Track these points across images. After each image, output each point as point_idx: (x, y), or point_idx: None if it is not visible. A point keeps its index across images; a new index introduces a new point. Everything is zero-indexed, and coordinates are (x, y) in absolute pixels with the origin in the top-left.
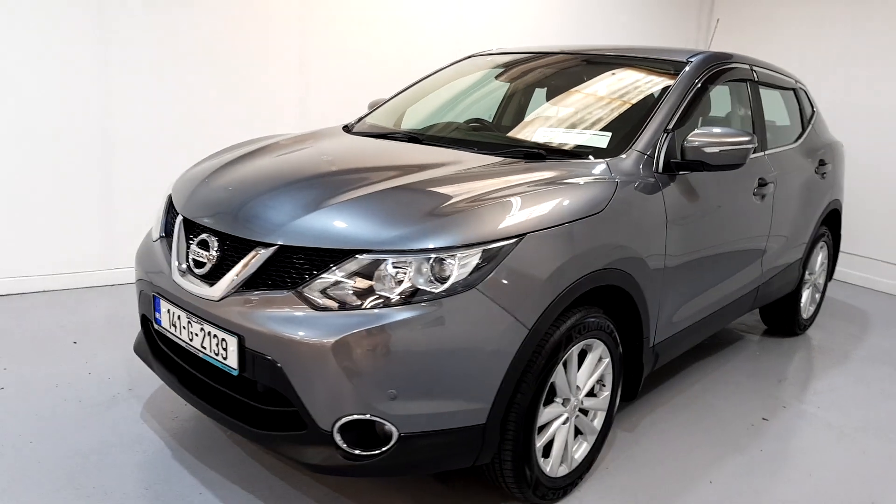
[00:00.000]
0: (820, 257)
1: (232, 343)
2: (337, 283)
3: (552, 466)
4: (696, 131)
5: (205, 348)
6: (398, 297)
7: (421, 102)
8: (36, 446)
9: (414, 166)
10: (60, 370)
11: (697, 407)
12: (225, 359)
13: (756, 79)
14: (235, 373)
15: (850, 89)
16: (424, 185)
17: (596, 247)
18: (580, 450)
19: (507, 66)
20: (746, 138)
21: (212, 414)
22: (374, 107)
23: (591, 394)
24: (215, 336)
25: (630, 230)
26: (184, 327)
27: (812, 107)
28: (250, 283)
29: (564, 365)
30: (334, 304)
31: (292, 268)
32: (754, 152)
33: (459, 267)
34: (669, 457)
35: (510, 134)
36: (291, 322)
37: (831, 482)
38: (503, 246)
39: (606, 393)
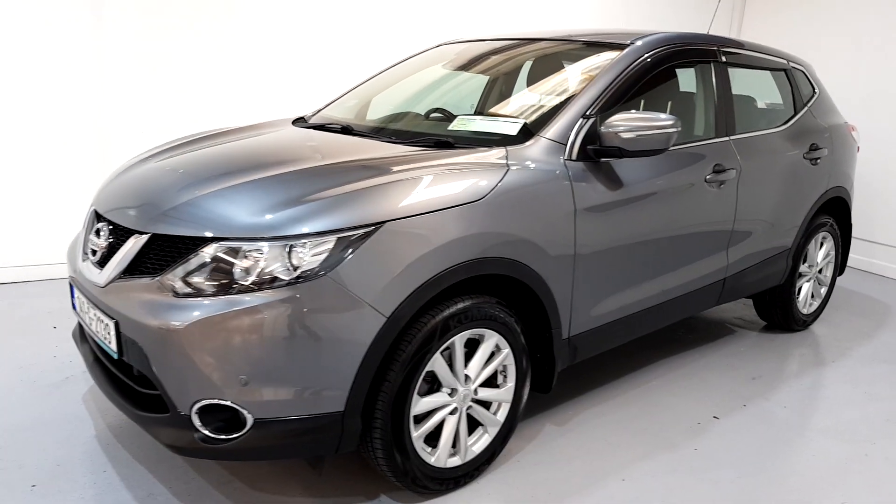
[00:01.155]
0: (824, 249)
1: (111, 327)
2: (196, 269)
3: (439, 457)
4: (615, 117)
5: (97, 332)
6: (252, 283)
7: (382, 93)
8: None
9: (309, 156)
10: (30, 352)
11: (647, 403)
12: (110, 343)
13: (724, 60)
14: (116, 356)
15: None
16: (299, 174)
17: (473, 235)
18: (479, 442)
19: (466, 55)
20: (668, 122)
21: (108, 395)
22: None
23: (492, 385)
24: (101, 320)
25: (523, 218)
26: (85, 311)
27: (813, 89)
28: (130, 270)
29: (450, 355)
30: (192, 291)
31: (163, 255)
32: (716, 137)
33: (312, 254)
34: (591, 452)
35: (439, 122)
36: (151, 308)
37: (761, 485)
38: (358, 234)
39: (510, 384)
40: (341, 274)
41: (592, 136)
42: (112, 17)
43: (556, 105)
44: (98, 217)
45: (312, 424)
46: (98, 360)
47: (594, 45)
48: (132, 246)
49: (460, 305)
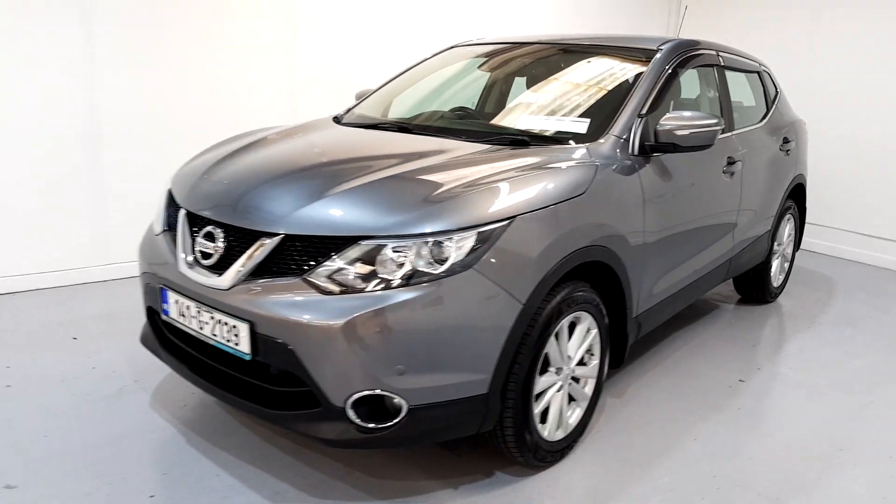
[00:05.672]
0: (787, 229)
1: (243, 329)
2: (341, 268)
3: (549, 431)
4: (668, 115)
5: (215, 336)
6: (399, 279)
7: (406, 92)
8: (50, 440)
9: (407, 155)
10: (64, 366)
11: (679, 372)
12: (237, 345)
13: (722, 63)
14: (248, 357)
15: (821, 70)
16: (419, 172)
17: (580, 226)
18: (574, 415)
19: (488, 56)
20: (714, 121)
21: (227, 399)
22: (362, 97)
23: (580, 363)
24: (226, 324)
25: (610, 209)
26: (193, 317)
27: (776, 88)
28: (256, 272)
29: (556, 336)
30: (339, 289)
31: (297, 255)
32: (722, 133)
33: (457, 249)
34: (655, 419)
35: (495, 122)
36: (301, 307)
37: (804, 433)
38: (495, 228)
39: (595, 361)
40: (484, 266)
41: (646, 134)
42: (103, 19)
43: (610, 105)
44: (195, 218)
45: (460, 407)
46: (196, 367)
47: (622, 49)
48: (262, 248)
49: (566, 291)
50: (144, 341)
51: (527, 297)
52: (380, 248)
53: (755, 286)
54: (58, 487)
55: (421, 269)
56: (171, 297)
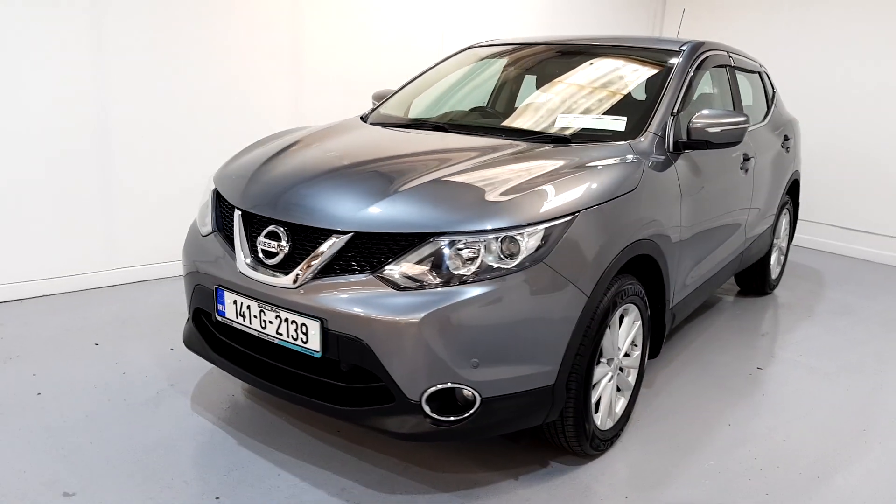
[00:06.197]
0: (784, 223)
1: (314, 327)
2: (415, 264)
3: (601, 420)
4: (699, 113)
5: (281, 335)
6: (472, 274)
7: (430, 92)
8: (98, 446)
9: (460, 153)
10: (93, 372)
11: (700, 363)
12: (305, 342)
13: (733, 64)
14: (318, 355)
15: (801, 70)
16: (479, 170)
17: (633, 220)
18: (619, 404)
19: (509, 57)
20: (743, 118)
21: (291, 398)
22: (382, 98)
23: (625, 353)
24: (294, 322)
25: (656, 204)
26: (255, 316)
27: (773, 87)
28: (325, 270)
29: (610, 328)
30: (414, 284)
31: (368, 252)
32: None
33: (526, 244)
34: (688, 406)
35: (531, 121)
36: (377, 303)
37: (826, 416)
38: (562, 223)
39: (638, 352)
40: (552, 260)
41: (678, 131)
42: (112, 23)
43: (644, 104)
44: (250, 217)
45: (530, 398)
46: (253, 365)
47: (645, 50)
48: (331, 245)
49: (619, 284)
50: (189, 343)
51: (591, 290)
52: (451, 244)
53: (756, 278)
54: (118, 493)
55: (491, 263)
56: (229, 297)
